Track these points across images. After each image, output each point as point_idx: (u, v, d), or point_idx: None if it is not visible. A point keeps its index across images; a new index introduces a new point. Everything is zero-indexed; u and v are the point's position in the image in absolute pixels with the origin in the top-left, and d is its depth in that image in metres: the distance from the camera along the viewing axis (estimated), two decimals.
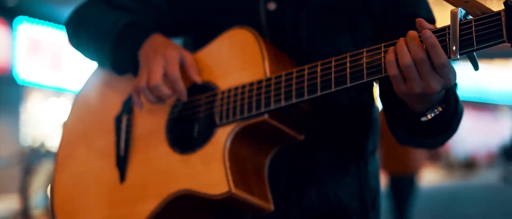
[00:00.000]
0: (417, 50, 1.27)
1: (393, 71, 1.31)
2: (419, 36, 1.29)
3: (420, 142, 1.59)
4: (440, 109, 1.39)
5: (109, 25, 1.72)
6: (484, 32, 1.21)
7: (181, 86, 1.57)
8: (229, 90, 1.55)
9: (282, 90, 1.47)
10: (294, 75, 1.47)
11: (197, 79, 1.59)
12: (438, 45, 1.26)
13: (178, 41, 1.87)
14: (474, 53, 1.26)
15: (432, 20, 1.64)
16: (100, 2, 1.83)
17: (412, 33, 1.30)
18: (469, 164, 26.39)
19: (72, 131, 1.87)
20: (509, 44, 1.20)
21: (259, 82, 1.51)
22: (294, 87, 1.46)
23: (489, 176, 20.29)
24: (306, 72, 1.45)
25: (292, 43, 1.62)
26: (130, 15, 1.75)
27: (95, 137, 1.80)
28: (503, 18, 1.19)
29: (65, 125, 1.89)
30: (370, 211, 1.69)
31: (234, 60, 1.59)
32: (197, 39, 1.77)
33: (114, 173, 1.71)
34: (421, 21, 1.31)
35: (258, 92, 1.50)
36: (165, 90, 1.56)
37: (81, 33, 1.81)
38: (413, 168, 6.77)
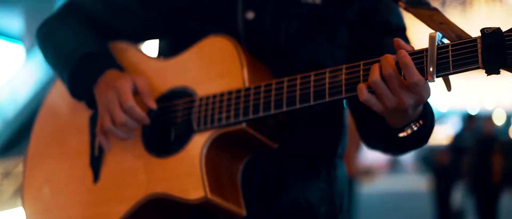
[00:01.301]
0: (387, 67, 1.33)
1: (364, 96, 1.37)
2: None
3: (392, 152, 1.66)
4: (418, 124, 1.46)
5: (68, 52, 1.71)
6: (460, 57, 1.27)
7: (140, 113, 1.58)
8: (208, 97, 1.58)
9: (261, 100, 1.51)
10: (273, 86, 1.51)
11: (152, 105, 1.60)
12: (412, 64, 1.30)
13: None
14: (447, 77, 1.33)
15: (403, 28, 1.72)
16: (72, 12, 1.82)
17: (387, 56, 1.35)
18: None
19: (43, 130, 1.88)
20: (484, 70, 1.26)
21: (238, 91, 1.54)
22: (273, 98, 1.50)
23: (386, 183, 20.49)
24: (285, 84, 1.49)
25: (270, 52, 1.66)
26: (93, 38, 1.75)
27: (68, 136, 1.81)
28: (479, 45, 1.25)
29: (36, 124, 1.89)
30: (338, 214, 1.75)
31: (213, 67, 1.62)
32: (172, 43, 1.79)
33: (88, 173, 1.72)
34: (399, 41, 1.36)
35: (237, 101, 1.54)
36: (133, 124, 1.58)
37: (47, 49, 1.81)
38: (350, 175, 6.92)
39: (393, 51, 1.39)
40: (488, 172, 8.68)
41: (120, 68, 1.70)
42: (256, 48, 1.63)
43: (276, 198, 1.67)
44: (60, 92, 1.84)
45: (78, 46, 1.71)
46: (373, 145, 1.71)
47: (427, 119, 1.48)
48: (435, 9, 1.46)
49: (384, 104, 1.36)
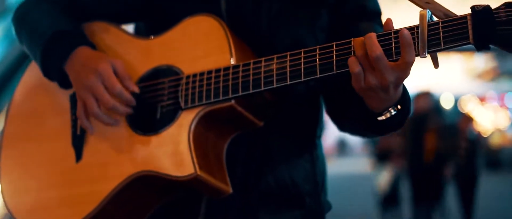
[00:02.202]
0: (374, 49, 1.36)
1: (357, 68, 1.40)
2: (380, 35, 1.38)
3: (363, 134, 1.70)
4: (397, 109, 1.49)
5: (41, 32, 1.69)
6: (451, 33, 1.31)
7: (129, 96, 1.58)
8: (195, 75, 1.58)
9: (251, 77, 1.52)
10: (263, 63, 1.52)
11: (135, 88, 1.60)
12: (412, 45, 1.34)
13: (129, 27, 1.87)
14: (436, 52, 1.37)
15: (378, 12, 1.75)
16: None
17: (371, 36, 1.38)
18: None
19: (20, 110, 1.84)
20: (474, 46, 1.31)
21: (226, 68, 1.55)
22: (262, 75, 1.51)
23: None
24: (275, 61, 1.51)
25: (252, 32, 1.67)
26: (66, 17, 1.73)
27: (47, 117, 1.78)
28: (469, 22, 1.30)
29: (11, 104, 1.86)
30: (320, 193, 1.78)
31: (199, 46, 1.62)
32: (151, 25, 1.78)
33: (69, 152, 1.70)
34: (389, 22, 1.40)
35: (226, 78, 1.54)
36: (123, 109, 1.58)
37: (21, 32, 1.79)
38: None
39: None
40: (420, 151, 8.38)
41: (92, 45, 1.69)
42: (238, 29, 1.64)
43: (262, 177, 1.69)
44: (35, 73, 1.81)
45: (49, 26, 1.69)
46: (347, 128, 1.75)
47: (405, 103, 1.52)
48: None
49: (367, 80, 1.40)
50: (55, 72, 1.67)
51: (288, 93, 1.68)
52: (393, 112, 1.49)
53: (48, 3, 1.78)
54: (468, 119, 9.18)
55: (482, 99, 21.24)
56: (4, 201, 1.77)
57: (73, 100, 1.73)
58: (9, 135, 1.83)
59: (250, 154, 1.69)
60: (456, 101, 20.73)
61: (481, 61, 18.22)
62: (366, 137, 1.79)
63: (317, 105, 1.79)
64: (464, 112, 9.83)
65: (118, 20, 1.79)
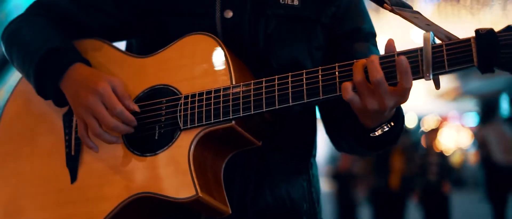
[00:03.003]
0: (375, 73, 1.38)
1: (348, 95, 1.42)
2: (382, 57, 1.40)
3: (363, 153, 1.70)
4: (390, 126, 1.52)
5: (33, 50, 1.67)
6: (455, 56, 1.34)
7: (130, 116, 1.57)
8: (193, 95, 1.57)
9: (252, 98, 1.52)
10: (264, 84, 1.52)
11: (134, 107, 1.59)
12: (409, 71, 1.37)
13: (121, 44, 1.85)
14: (439, 75, 1.39)
15: (373, 34, 1.78)
16: (40, 12, 1.78)
17: (373, 59, 1.40)
18: None
19: (10, 128, 1.81)
20: (478, 68, 1.33)
21: (226, 88, 1.55)
22: (264, 96, 1.51)
23: None
24: (276, 82, 1.51)
25: (248, 51, 1.67)
26: (58, 35, 1.71)
27: (39, 135, 1.76)
28: (473, 45, 1.32)
29: (2, 122, 1.82)
30: (317, 212, 1.78)
31: (197, 65, 1.61)
32: (145, 42, 1.78)
33: (64, 172, 1.68)
34: (391, 43, 1.42)
35: (226, 98, 1.54)
36: (124, 127, 1.57)
37: (12, 50, 1.76)
38: None
39: (363, 55, 1.48)
40: (385, 175, 8.31)
41: (86, 62, 1.67)
42: (234, 47, 1.64)
43: (260, 196, 1.68)
44: (26, 90, 1.79)
45: (42, 44, 1.67)
46: (343, 147, 1.77)
47: (398, 121, 1.54)
48: (418, 12, 1.53)
49: (365, 104, 1.42)
50: (50, 90, 1.65)
51: (285, 113, 1.68)
52: (386, 129, 1.52)
53: (39, 19, 1.77)
54: (434, 134, 9.15)
55: (444, 119, 21.57)
56: None
57: (66, 119, 1.70)
58: (0, 155, 1.79)
59: (247, 173, 1.68)
60: (419, 120, 21.02)
61: (444, 81, 18.52)
62: (362, 155, 1.80)
63: (313, 124, 1.80)
64: (428, 129, 9.79)
65: (111, 37, 1.78)
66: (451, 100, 20.66)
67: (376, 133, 1.53)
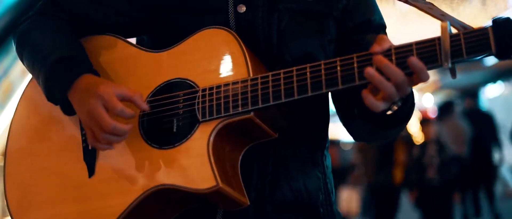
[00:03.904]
0: (397, 77, 1.44)
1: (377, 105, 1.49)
2: (398, 48, 1.46)
3: (380, 134, 1.73)
4: (402, 100, 1.55)
5: (43, 56, 1.68)
6: (473, 44, 1.38)
7: (130, 112, 1.57)
8: (211, 88, 1.60)
9: (270, 89, 1.54)
10: (282, 75, 1.55)
11: (145, 107, 1.60)
12: (424, 68, 1.43)
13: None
14: (455, 64, 1.43)
15: (383, 25, 1.82)
16: (53, 10, 1.79)
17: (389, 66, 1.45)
18: None
19: (24, 126, 1.82)
20: (495, 56, 1.38)
21: (244, 81, 1.57)
22: (282, 87, 1.54)
23: None
24: (294, 73, 1.54)
25: (262, 45, 1.69)
26: (69, 41, 1.72)
27: (54, 132, 1.77)
28: (490, 33, 1.37)
29: (13, 120, 1.83)
30: (332, 203, 1.81)
31: (213, 59, 1.63)
32: (157, 38, 1.79)
33: (80, 167, 1.69)
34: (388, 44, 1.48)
35: (244, 90, 1.56)
36: (123, 127, 1.56)
37: (23, 50, 1.77)
38: None
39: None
40: (388, 167, 8.06)
41: (95, 72, 1.68)
42: (247, 41, 1.65)
43: (277, 188, 1.71)
44: (38, 89, 1.79)
45: (52, 50, 1.67)
46: (361, 135, 1.81)
47: (411, 94, 1.58)
48: (431, 4, 1.57)
49: (389, 100, 1.48)
50: (58, 99, 1.66)
51: (300, 105, 1.70)
52: (400, 104, 1.54)
53: (51, 21, 1.77)
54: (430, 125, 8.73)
55: (423, 112, 21.80)
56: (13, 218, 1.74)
57: None
58: (13, 151, 1.80)
59: (264, 165, 1.70)
60: None
61: None
62: (381, 138, 1.83)
63: (326, 116, 1.83)
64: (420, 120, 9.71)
65: (124, 34, 1.79)
66: (429, 93, 20.90)
67: (394, 108, 1.55)
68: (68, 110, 1.66)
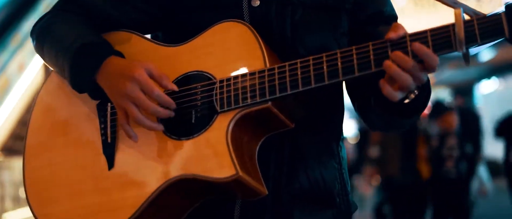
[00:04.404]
0: (406, 63, 1.47)
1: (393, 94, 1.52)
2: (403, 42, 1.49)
3: (397, 123, 1.76)
4: (419, 89, 1.58)
5: (66, 45, 1.71)
6: (486, 29, 1.42)
7: (168, 98, 1.61)
8: (229, 79, 1.62)
9: (287, 79, 1.57)
10: (299, 65, 1.58)
11: (174, 87, 1.64)
12: (431, 54, 1.47)
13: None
14: (469, 50, 1.46)
15: (395, 16, 1.85)
16: (69, 7, 1.83)
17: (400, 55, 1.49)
18: None
19: (42, 121, 1.85)
20: (508, 40, 1.41)
21: (261, 71, 1.60)
22: (300, 76, 1.57)
23: None
24: (311, 63, 1.57)
25: (276, 38, 1.72)
26: (90, 30, 1.76)
27: (72, 126, 1.79)
28: (503, 19, 1.41)
29: (31, 116, 1.86)
30: (347, 192, 1.84)
31: (229, 51, 1.66)
32: (172, 33, 1.81)
33: (100, 160, 1.72)
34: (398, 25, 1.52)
35: (261, 80, 1.59)
36: (163, 111, 1.61)
37: (43, 45, 1.80)
38: None
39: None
40: (412, 161, 7.63)
41: (120, 54, 1.72)
42: (261, 35, 1.68)
43: (294, 177, 1.74)
44: (56, 85, 1.84)
45: (75, 39, 1.71)
46: (376, 124, 1.84)
47: (427, 82, 1.61)
48: None
49: (406, 89, 1.51)
50: (86, 84, 1.69)
51: (316, 94, 1.74)
52: (416, 92, 1.57)
53: (69, 14, 1.81)
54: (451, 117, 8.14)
55: None
56: (33, 212, 1.76)
57: (101, 108, 1.74)
58: (32, 146, 1.83)
59: (281, 155, 1.73)
60: None
61: None
62: (397, 127, 1.85)
63: (341, 107, 1.85)
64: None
65: (139, 30, 1.82)
66: None
67: (412, 96, 1.58)
68: (96, 94, 1.69)
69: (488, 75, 18.98)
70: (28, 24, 10.23)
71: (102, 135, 1.73)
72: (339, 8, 1.77)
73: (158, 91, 1.59)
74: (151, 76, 1.61)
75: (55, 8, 1.86)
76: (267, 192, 1.63)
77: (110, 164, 1.70)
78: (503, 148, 9.48)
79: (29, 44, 10.44)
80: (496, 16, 1.42)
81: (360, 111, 1.85)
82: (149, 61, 1.68)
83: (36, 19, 1.90)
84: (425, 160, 7.68)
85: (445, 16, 1.64)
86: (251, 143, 1.68)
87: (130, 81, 1.59)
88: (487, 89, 20.33)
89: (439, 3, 1.58)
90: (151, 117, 1.62)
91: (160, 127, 1.64)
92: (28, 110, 1.98)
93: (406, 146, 7.67)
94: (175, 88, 1.63)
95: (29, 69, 11.29)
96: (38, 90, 1.88)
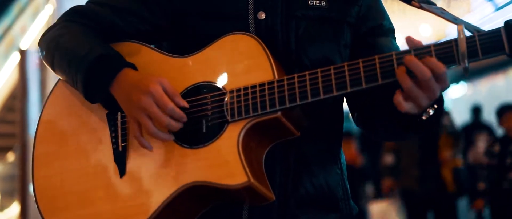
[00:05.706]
0: (424, 73, 1.52)
1: (404, 107, 1.57)
2: (417, 50, 1.56)
3: (401, 136, 1.84)
4: (434, 108, 1.66)
5: (80, 56, 1.75)
6: (487, 45, 1.50)
7: (181, 113, 1.67)
8: (239, 90, 1.69)
9: (297, 90, 1.64)
10: (307, 77, 1.65)
11: (184, 104, 1.69)
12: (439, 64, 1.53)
13: None
14: (469, 63, 1.55)
15: (393, 29, 1.95)
16: (76, 18, 1.87)
17: (415, 61, 1.54)
18: None
19: (50, 129, 1.89)
20: (508, 55, 1.50)
21: (271, 82, 1.67)
22: (309, 88, 1.64)
23: None
24: (319, 75, 1.64)
25: (281, 50, 1.79)
26: (101, 41, 1.80)
27: (82, 135, 1.83)
28: (503, 34, 1.49)
29: (39, 125, 1.90)
30: (349, 196, 1.92)
31: (238, 63, 1.72)
32: (177, 44, 1.87)
33: (111, 168, 1.77)
34: (411, 38, 1.58)
35: (271, 91, 1.66)
36: (176, 125, 1.67)
37: (53, 56, 1.84)
38: None
39: (388, 49, 1.67)
40: (435, 169, 6.63)
41: (133, 66, 1.77)
42: (267, 47, 1.73)
43: (300, 184, 1.80)
44: (64, 93, 1.88)
45: (90, 49, 1.75)
46: (379, 133, 1.91)
47: (441, 103, 1.68)
48: (443, 8, 1.70)
49: (420, 105, 1.57)
50: (100, 95, 1.74)
51: (319, 105, 1.79)
52: (431, 112, 1.65)
53: (78, 26, 1.85)
54: None
55: None
56: None
57: (111, 117, 1.79)
58: (40, 155, 1.87)
59: (287, 163, 1.80)
60: None
61: None
62: (396, 140, 1.94)
63: (341, 116, 1.93)
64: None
65: (144, 40, 1.86)
66: None
67: (424, 117, 1.65)
68: (110, 105, 1.74)
69: (456, 80, 19.29)
70: None
71: (113, 143, 1.78)
72: (341, 21, 1.85)
73: (172, 105, 1.65)
74: (165, 90, 1.67)
75: (61, 19, 1.90)
76: (274, 198, 1.70)
77: (122, 171, 1.76)
78: None
79: None
80: (496, 32, 1.50)
81: (360, 121, 1.93)
82: (162, 75, 1.73)
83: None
84: (449, 166, 6.71)
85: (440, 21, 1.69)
86: (259, 150, 1.74)
87: (145, 94, 1.65)
88: (455, 94, 20.65)
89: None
90: (163, 129, 1.68)
91: (172, 137, 1.70)
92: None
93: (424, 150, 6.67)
94: (186, 105, 1.69)
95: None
96: (44, 101, 1.92)
